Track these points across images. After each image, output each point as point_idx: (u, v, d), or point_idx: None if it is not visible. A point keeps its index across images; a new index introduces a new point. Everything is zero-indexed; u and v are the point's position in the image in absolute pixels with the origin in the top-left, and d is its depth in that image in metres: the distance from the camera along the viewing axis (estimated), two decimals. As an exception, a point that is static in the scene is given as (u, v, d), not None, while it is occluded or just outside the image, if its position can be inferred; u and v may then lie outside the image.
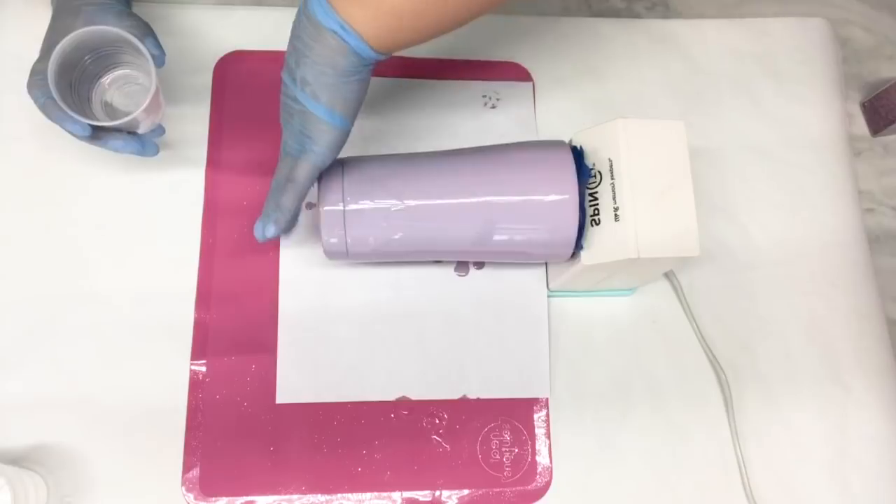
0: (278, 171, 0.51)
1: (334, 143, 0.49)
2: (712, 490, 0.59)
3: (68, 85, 0.52)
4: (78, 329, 0.57)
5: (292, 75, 0.48)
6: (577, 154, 0.52)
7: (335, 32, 0.45)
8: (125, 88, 0.57)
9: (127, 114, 0.53)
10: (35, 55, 0.55)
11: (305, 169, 0.49)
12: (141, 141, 0.55)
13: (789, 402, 0.62)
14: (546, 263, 0.61)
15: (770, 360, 0.63)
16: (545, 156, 0.52)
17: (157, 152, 0.56)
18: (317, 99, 0.47)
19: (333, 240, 0.52)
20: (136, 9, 0.63)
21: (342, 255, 0.53)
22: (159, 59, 0.54)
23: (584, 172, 0.52)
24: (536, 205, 0.51)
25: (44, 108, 0.51)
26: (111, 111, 0.56)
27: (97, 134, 0.53)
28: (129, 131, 0.55)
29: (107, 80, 0.56)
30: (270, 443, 0.56)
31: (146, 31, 0.54)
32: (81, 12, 0.52)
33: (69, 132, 0.52)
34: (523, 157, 0.53)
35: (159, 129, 0.57)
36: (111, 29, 0.51)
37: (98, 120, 0.54)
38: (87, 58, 0.53)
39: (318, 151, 0.49)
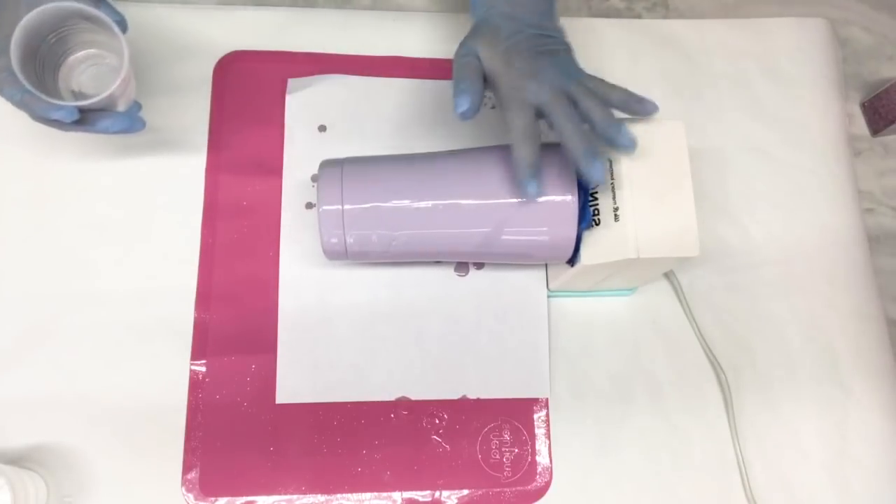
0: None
1: None
2: (712, 490, 0.59)
3: (35, 76, 0.48)
4: (78, 329, 0.57)
5: None
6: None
7: None
8: (90, 71, 0.53)
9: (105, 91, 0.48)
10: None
11: None
12: (128, 117, 0.52)
13: (789, 403, 0.62)
14: (546, 264, 0.61)
15: (770, 360, 0.63)
16: (545, 157, 0.52)
17: (144, 127, 0.53)
18: None
19: (333, 240, 0.52)
20: (138, 8, 0.63)
21: (342, 255, 0.53)
22: (123, 24, 0.49)
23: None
24: (536, 206, 0.51)
25: (23, 103, 0.47)
26: (82, 97, 0.52)
27: (85, 118, 0.49)
28: (111, 110, 0.51)
29: (70, 63, 0.52)
30: (270, 443, 0.56)
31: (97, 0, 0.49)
32: None
33: (54, 123, 0.49)
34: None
35: (136, 105, 0.53)
36: (66, 4, 0.46)
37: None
38: (42, 44, 0.49)
39: None
